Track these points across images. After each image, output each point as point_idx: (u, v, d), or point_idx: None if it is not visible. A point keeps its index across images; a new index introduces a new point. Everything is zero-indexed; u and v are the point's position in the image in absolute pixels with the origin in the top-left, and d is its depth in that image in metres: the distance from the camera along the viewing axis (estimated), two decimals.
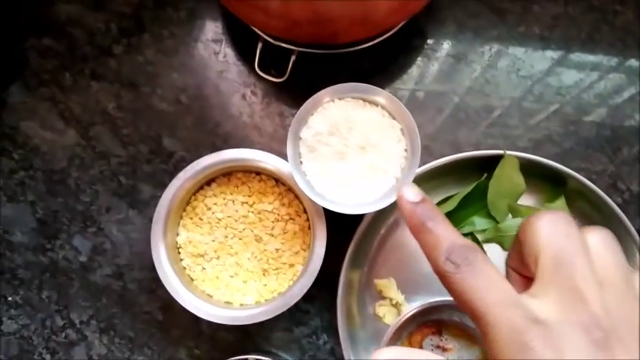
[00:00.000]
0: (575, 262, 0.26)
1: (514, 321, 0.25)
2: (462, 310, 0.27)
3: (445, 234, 0.29)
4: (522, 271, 0.31)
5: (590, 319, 0.24)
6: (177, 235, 0.51)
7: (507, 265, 0.32)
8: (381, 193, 0.46)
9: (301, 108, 0.46)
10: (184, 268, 0.50)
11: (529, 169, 0.51)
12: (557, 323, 0.25)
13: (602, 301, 0.25)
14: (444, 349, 0.51)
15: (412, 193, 0.31)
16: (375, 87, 0.46)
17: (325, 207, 0.46)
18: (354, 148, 0.46)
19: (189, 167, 0.49)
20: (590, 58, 0.56)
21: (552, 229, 0.27)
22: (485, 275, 0.27)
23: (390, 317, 0.52)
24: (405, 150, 0.47)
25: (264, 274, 0.50)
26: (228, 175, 0.51)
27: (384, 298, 0.53)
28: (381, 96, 0.46)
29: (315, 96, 0.46)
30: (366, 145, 0.46)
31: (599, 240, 0.27)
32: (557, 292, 0.26)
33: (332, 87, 0.46)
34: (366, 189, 0.47)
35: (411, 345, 0.51)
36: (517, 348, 0.24)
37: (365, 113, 0.46)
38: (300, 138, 0.47)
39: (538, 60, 0.56)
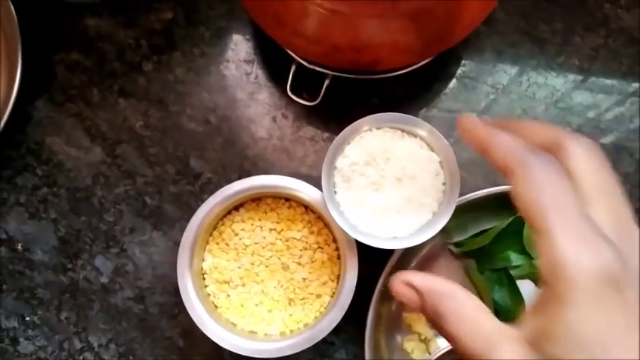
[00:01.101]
0: (559, 210, 0.26)
1: (581, 229, 0.25)
2: (522, 207, 0.27)
3: (515, 138, 0.29)
4: None
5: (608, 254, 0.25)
6: (203, 260, 0.49)
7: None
8: (417, 228, 0.45)
9: (338, 136, 0.44)
10: (209, 294, 0.49)
11: None
12: (615, 238, 0.26)
13: (599, 223, 0.26)
14: None
15: (473, 119, 0.32)
16: (415, 118, 0.44)
17: (358, 240, 0.44)
18: (391, 180, 0.45)
19: (218, 192, 0.47)
20: (630, 90, 0.54)
21: (539, 183, 0.27)
22: (562, 180, 0.27)
23: (418, 353, 0.51)
24: (444, 183, 0.46)
25: (289, 304, 0.49)
26: (257, 200, 0.50)
27: (412, 332, 0.51)
28: (422, 128, 0.45)
29: (353, 125, 0.44)
30: (403, 176, 0.44)
31: (581, 152, 0.28)
32: (608, 211, 0.27)
33: (371, 116, 0.44)
34: (401, 222, 0.45)
35: None
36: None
37: (403, 144, 0.45)
38: (336, 167, 0.45)
39: (577, 92, 0.54)
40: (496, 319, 0.29)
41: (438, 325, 0.30)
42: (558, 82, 0.54)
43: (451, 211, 0.44)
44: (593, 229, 0.26)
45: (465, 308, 0.30)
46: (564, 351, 0.25)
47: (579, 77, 0.54)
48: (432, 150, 0.45)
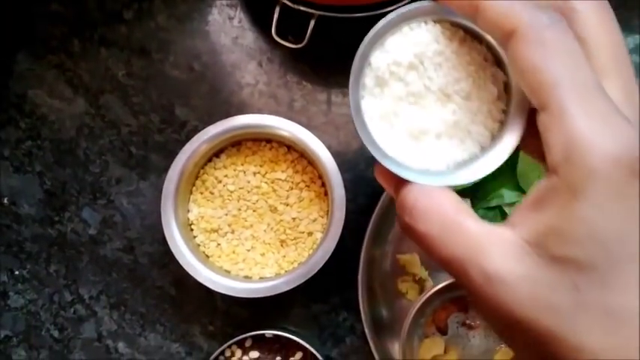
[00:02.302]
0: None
1: (601, 107, 0.21)
2: (526, 79, 0.23)
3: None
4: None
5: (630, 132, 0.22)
6: (189, 211, 0.48)
7: None
8: (455, 163, 0.32)
9: (380, 22, 0.32)
10: (198, 245, 0.48)
11: None
12: (629, 113, 0.23)
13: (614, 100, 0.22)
14: (470, 327, 0.49)
15: None
16: None
17: (381, 163, 0.32)
18: (437, 94, 0.33)
19: (194, 138, 0.46)
20: (631, 46, 0.53)
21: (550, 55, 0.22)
22: (575, 46, 0.22)
23: (413, 293, 0.50)
24: (503, 111, 0.33)
25: (282, 245, 0.48)
26: (237, 145, 0.49)
27: (407, 273, 0.50)
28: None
29: (402, 10, 0.32)
30: (454, 93, 0.33)
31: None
32: (623, 83, 0.23)
33: (426, 1, 0.32)
34: (438, 151, 0.33)
35: (435, 322, 0.48)
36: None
37: (463, 50, 0.33)
38: (370, 64, 0.33)
39: None
40: (483, 221, 0.24)
41: (409, 227, 0.25)
42: None
43: (509, 150, 0.31)
44: (613, 107, 0.22)
45: (440, 204, 0.26)
46: (578, 251, 0.21)
47: None
48: (499, 66, 0.34)
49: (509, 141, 0.30)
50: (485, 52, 0.33)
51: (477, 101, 0.32)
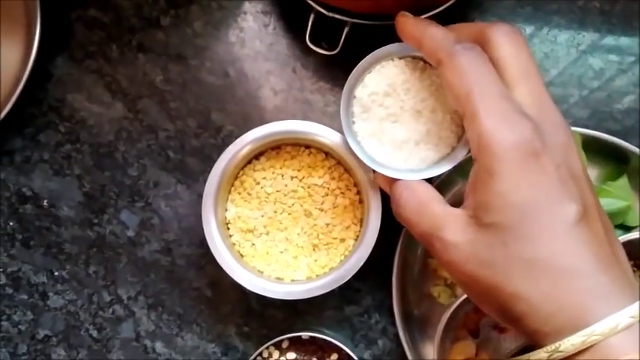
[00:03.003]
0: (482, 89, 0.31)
1: (504, 111, 0.29)
2: (451, 94, 0.33)
3: (452, 32, 0.33)
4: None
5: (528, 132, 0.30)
6: (226, 210, 0.49)
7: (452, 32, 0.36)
8: (434, 161, 0.44)
9: (358, 65, 0.44)
10: (234, 244, 0.49)
11: (590, 146, 0.50)
12: (536, 114, 0.31)
13: (518, 101, 0.31)
14: (501, 330, 0.50)
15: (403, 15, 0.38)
16: None
17: (375, 170, 0.44)
18: (410, 112, 0.44)
19: (238, 140, 0.47)
20: None
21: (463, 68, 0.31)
22: (486, 65, 0.31)
23: (445, 297, 0.51)
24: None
25: (314, 250, 0.49)
26: (276, 148, 0.50)
27: (438, 277, 0.51)
28: None
29: (372, 54, 0.44)
30: (423, 109, 0.43)
31: (500, 36, 0.33)
32: (530, 90, 0.32)
33: (391, 45, 0.44)
34: (418, 155, 0.44)
35: (467, 326, 0.49)
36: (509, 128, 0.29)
37: (424, 76, 0.44)
38: (355, 97, 0.45)
39: (598, 35, 0.54)
40: (447, 204, 0.33)
41: (398, 214, 0.35)
42: (580, 25, 0.54)
43: (469, 146, 0.44)
44: (514, 108, 0.29)
45: (417, 194, 0.35)
46: (500, 217, 0.28)
47: (600, 19, 0.54)
48: None
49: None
50: None
51: (441, 113, 0.43)
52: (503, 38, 0.32)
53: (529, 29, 0.54)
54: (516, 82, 0.31)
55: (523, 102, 0.30)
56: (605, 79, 0.53)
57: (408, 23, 0.36)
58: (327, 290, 0.45)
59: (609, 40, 0.54)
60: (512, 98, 0.30)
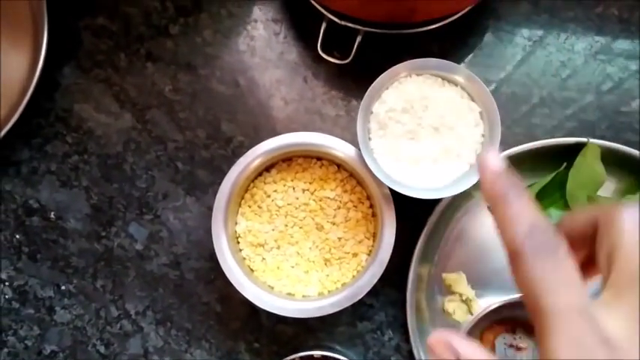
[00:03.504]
0: None
1: (582, 337, 0.22)
2: (521, 297, 0.23)
3: (529, 210, 0.24)
4: (577, 247, 0.26)
5: None
6: (237, 224, 0.48)
7: (563, 227, 0.27)
8: (452, 180, 0.44)
9: (376, 80, 0.43)
10: (244, 258, 0.48)
11: (609, 159, 0.48)
12: (627, 347, 0.22)
13: None
14: (518, 349, 0.48)
15: (497, 160, 0.26)
16: (456, 64, 0.43)
17: (391, 187, 0.43)
18: (428, 129, 0.43)
19: (249, 152, 0.46)
20: None
21: None
22: (563, 271, 0.23)
23: (460, 313, 0.50)
24: (483, 135, 0.44)
25: (326, 264, 0.48)
26: (288, 160, 0.49)
27: (453, 293, 0.50)
28: (462, 74, 0.43)
29: (391, 69, 0.43)
30: (441, 126, 0.43)
31: None
32: (633, 309, 0.22)
33: (410, 61, 0.43)
34: (436, 173, 0.44)
35: (483, 343, 0.48)
36: None
37: (443, 92, 0.44)
38: (372, 112, 0.44)
39: (617, 43, 0.52)
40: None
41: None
42: (598, 33, 0.52)
43: None
44: (594, 334, 0.22)
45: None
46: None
47: (619, 27, 0.52)
48: (473, 100, 0.44)
49: None
50: (461, 90, 0.44)
51: (461, 130, 0.43)
52: (633, 224, 0.24)
53: (545, 38, 0.52)
54: (622, 292, 0.23)
55: (617, 324, 0.23)
56: (624, 88, 0.52)
57: (492, 178, 0.26)
58: (340, 308, 0.44)
59: (628, 49, 0.52)
60: (596, 317, 0.23)
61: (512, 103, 0.52)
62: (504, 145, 0.49)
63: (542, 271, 0.23)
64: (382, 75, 0.43)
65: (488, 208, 0.27)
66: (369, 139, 0.44)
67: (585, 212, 0.26)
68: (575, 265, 0.23)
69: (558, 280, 0.23)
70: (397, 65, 0.43)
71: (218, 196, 0.46)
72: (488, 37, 0.53)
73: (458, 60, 0.53)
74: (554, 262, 0.23)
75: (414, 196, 0.43)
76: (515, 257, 0.24)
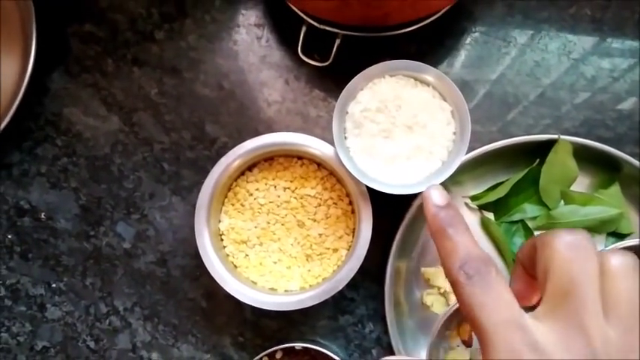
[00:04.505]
0: (586, 296, 0.25)
1: (514, 345, 0.25)
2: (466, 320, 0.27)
3: (464, 243, 0.28)
4: (530, 270, 0.30)
5: (589, 357, 0.24)
6: (220, 222, 0.50)
7: (517, 255, 0.31)
8: (425, 176, 0.45)
9: (350, 82, 0.45)
10: (227, 255, 0.50)
11: (582, 155, 0.50)
12: (552, 350, 0.25)
13: (605, 337, 0.25)
14: None
15: (439, 196, 0.31)
16: (426, 65, 0.44)
17: (367, 185, 0.45)
18: (401, 127, 0.45)
19: (230, 152, 0.48)
20: None
21: (571, 253, 0.26)
22: (494, 292, 0.26)
23: (438, 306, 0.51)
24: (454, 133, 0.46)
25: (307, 260, 0.49)
26: (269, 160, 0.51)
27: (431, 286, 0.51)
28: (432, 74, 0.45)
29: (365, 71, 0.45)
30: (414, 124, 0.45)
31: (619, 265, 0.26)
32: (561, 323, 0.25)
33: (383, 63, 0.45)
34: (410, 170, 0.45)
35: (460, 335, 0.50)
36: None
37: (415, 92, 0.45)
38: (347, 112, 0.46)
39: (590, 42, 0.54)
40: None
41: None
42: (571, 33, 0.54)
43: (460, 159, 0.44)
44: (524, 342, 0.25)
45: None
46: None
47: (592, 27, 0.54)
48: (444, 99, 0.45)
49: (460, 153, 0.44)
50: (433, 90, 0.46)
51: (433, 128, 0.45)
52: (564, 245, 0.27)
53: (520, 38, 0.54)
54: (553, 303, 0.26)
55: (544, 332, 0.25)
56: (597, 86, 0.53)
57: (434, 213, 0.30)
58: (319, 301, 0.45)
59: (601, 48, 0.54)
60: (528, 327, 0.25)
61: (488, 102, 0.53)
62: (480, 142, 0.50)
63: (475, 295, 0.26)
64: (356, 77, 0.45)
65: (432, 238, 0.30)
66: (345, 138, 0.46)
67: (531, 239, 0.29)
68: (506, 286, 0.26)
69: (490, 300, 0.26)
70: (370, 67, 0.45)
71: (201, 194, 0.47)
72: (464, 38, 0.54)
73: (435, 61, 0.54)
74: (486, 286, 0.26)
75: (389, 192, 0.44)
76: (453, 285, 0.27)
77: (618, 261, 0.26)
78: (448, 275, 0.28)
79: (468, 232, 0.29)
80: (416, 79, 0.45)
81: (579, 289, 0.25)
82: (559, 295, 0.26)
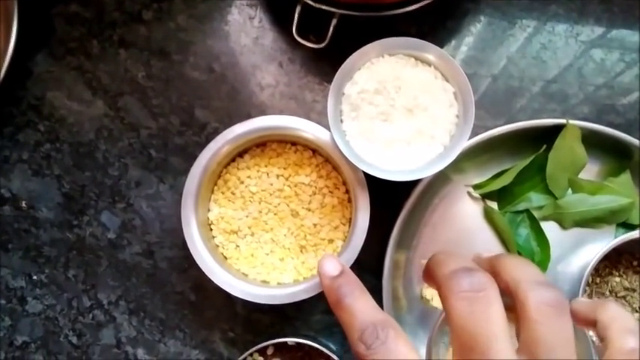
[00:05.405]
0: (489, 351, 0.25)
1: None
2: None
3: (360, 311, 0.29)
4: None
5: None
6: (209, 210, 0.47)
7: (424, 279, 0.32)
8: (426, 162, 0.43)
9: (346, 61, 0.42)
10: (217, 245, 0.47)
11: (591, 140, 0.47)
12: None
13: None
14: None
15: (331, 266, 0.32)
16: (428, 43, 0.42)
17: (364, 171, 0.42)
18: (401, 110, 0.42)
19: (219, 137, 0.45)
20: None
21: (466, 307, 0.26)
22: (393, 354, 0.27)
23: (438, 300, 0.48)
24: (457, 116, 0.43)
25: (301, 251, 0.47)
26: (261, 146, 0.48)
27: None
28: (434, 53, 0.42)
29: (362, 49, 0.42)
30: (415, 107, 0.42)
31: (538, 308, 0.26)
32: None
33: (382, 40, 0.42)
34: (410, 155, 0.43)
35: None
36: None
37: (416, 73, 0.43)
38: (344, 94, 0.43)
39: (599, 24, 0.51)
40: None
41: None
42: (579, 14, 0.51)
43: (463, 144, 0.42)
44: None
45: None
46: None
47: (600, 8, 0.51)
48: (447, 80, 0.43)
49: (464, 137, 0.41)
50: (435, 71, 0.43)
51: (434, 111, 0.42)
52: (455, 304, 0.27)
53: (526, 20, 0.51)
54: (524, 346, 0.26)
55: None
56: (607, 70, 0.51)
57: (329, 286, 0.32)
58: (312, 294, 0.43)
59: (611, 30, 0.51)
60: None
61: (492, 86, 0.51)
62: (483, 128, 0.48)
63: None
64: (352, 55, 0.42)
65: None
66: (341, 121, 0.43)
67: (484, 261, 0.31)
68: (406, 343, 0.28)
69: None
70: (367, 45, 0.42)
71: (188, 181, 0.45)
72: (467, 20, 0.52)
73: (437, 43, 0.51)
74: (386, 351, 0.27)
75: (387, 178, 0.42)
76: (357, 357, 0.28)
77: (536, 304, 0.26)
78: (352, 349, 0.28)
79: (364, 296, 0.31)
80: (417, 58, 0.43)
81: (481, 347, 0.25)
82: (465, 351, 0.26)
